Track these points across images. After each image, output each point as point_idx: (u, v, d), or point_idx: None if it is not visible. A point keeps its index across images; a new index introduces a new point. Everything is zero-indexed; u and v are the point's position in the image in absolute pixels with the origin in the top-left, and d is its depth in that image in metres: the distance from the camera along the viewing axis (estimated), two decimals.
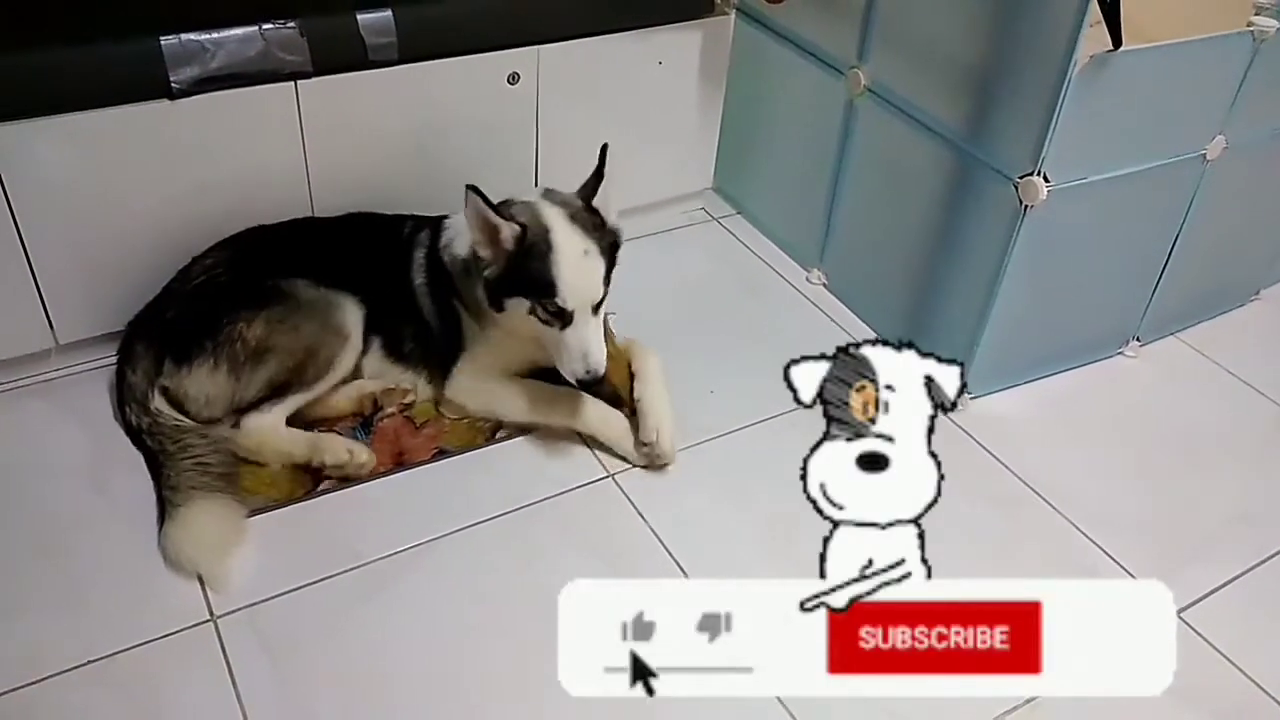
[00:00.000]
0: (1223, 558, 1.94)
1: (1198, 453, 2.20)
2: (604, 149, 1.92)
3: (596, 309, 1.88)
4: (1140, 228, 2.25)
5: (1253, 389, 2.38)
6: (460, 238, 1.97)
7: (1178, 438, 2.23)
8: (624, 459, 2.01)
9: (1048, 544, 1.94)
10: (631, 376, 2.09)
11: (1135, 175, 2.08)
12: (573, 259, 1.84)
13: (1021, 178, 1.96)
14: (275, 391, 1.91)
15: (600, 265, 1.87)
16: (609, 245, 1.90)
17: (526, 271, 1.84)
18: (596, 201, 1.91)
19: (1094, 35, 1.83)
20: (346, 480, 1.91)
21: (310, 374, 1.93)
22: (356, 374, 2.05)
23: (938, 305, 2.26)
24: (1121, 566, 1.89)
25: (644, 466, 2.00)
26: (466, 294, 1.99)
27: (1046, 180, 1.94)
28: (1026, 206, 1.97)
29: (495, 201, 1.84)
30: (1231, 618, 1.81)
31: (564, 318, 1.85)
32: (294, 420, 1.95)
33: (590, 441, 2.03)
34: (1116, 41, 1.84)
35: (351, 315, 1.99)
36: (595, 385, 1.91)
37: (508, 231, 1.83)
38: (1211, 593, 1.86)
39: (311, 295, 1.96)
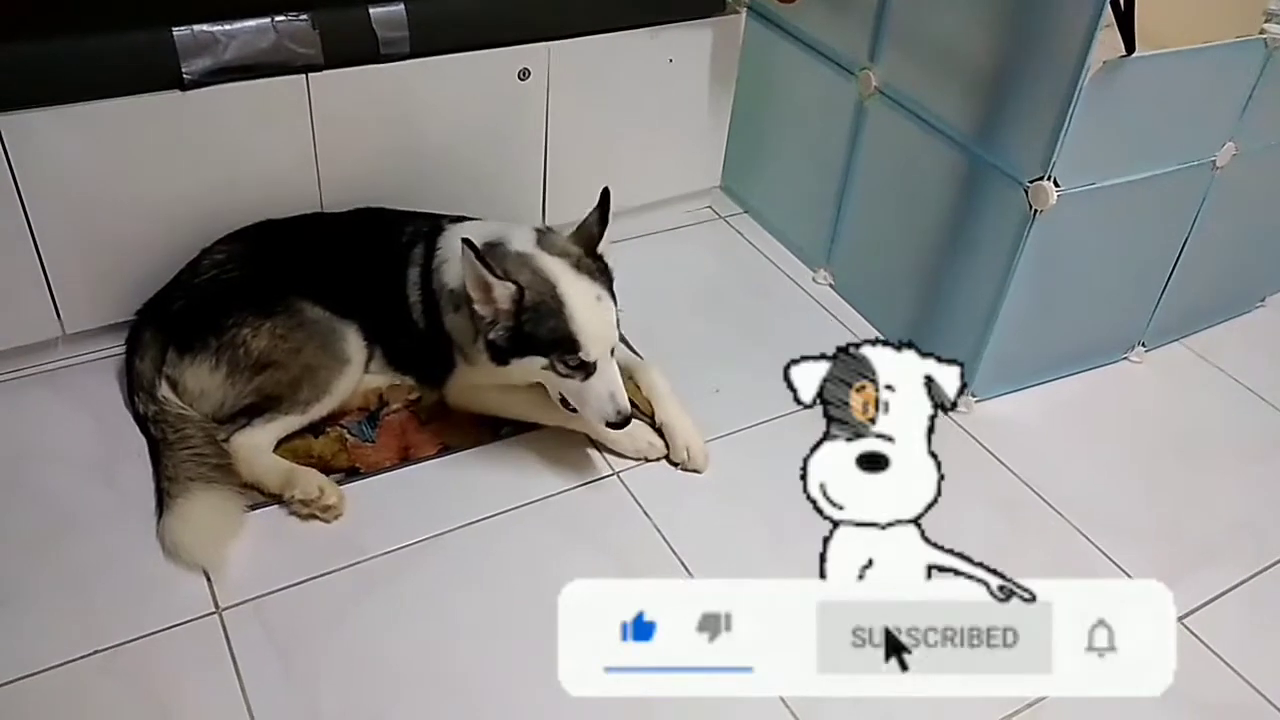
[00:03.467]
0: (1226, 564, 1.94)
1: (1202, 459, 2.20)
2: (605, 193, 1.89)
3: (613, 350, 1.86)
4: (1148, 234, 2.25)
5: (1257, 396, 2.37)
6: (451, 263, 1.94)
7: (1182, 444, 2.23)
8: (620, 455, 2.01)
9: (1050, 547, 1.94)
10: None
11: (1145, 181, 2.07)
12: (588, 310, 1.80)
13: (1032, 182, 1.96)
14: (266, 402, 1.90)
15: (613, 308, 1.85)
16: (611, 285, 1.89)
17: (540, 331, 1.79)
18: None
19: (1107, 40, 1.82)
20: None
21: (305, 393, 1.91)
22: None
23: (944, 308, 2.25)
24: (1124, 571, 1.89)
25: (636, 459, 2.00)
26: (451, 324, 1.96)
27: (1056, 185, 1.94)
28: (1036, 211, 1.97)
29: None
30: (1234, 624, 1.82)
31: (586, 369, 1.81)
32: None
33: (596, 441, 2.03)
34: (1130, 47, 1.84)
35: (354, 344, 1.98)
36: (625, 425, 1.86)
37: (501, 291, 1.77)
38: (1214, 599, 1.86)
39: (316, 315, 1.95)
